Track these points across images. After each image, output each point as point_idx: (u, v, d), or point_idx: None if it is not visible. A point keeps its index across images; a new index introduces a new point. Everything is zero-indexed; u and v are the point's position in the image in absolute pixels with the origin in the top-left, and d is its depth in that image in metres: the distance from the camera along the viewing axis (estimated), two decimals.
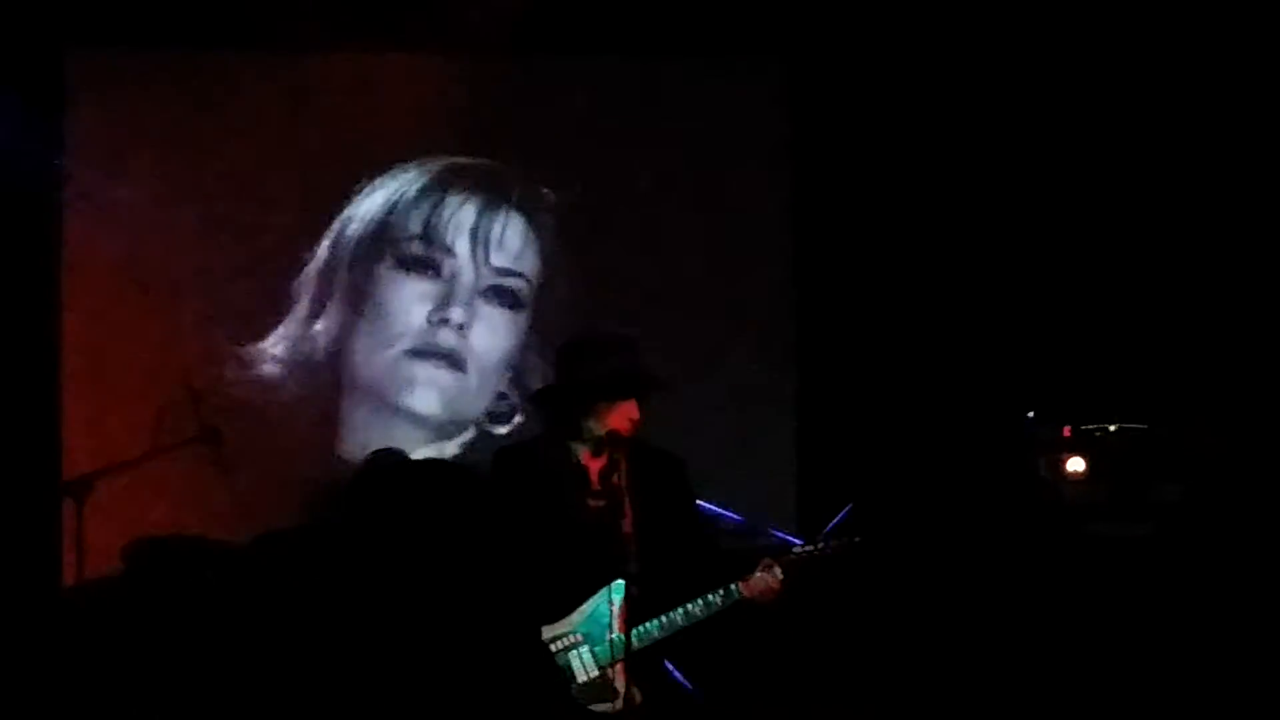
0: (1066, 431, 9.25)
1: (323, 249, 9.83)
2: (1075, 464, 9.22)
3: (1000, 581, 9.31)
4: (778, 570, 6.85)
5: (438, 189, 9.91)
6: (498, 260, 9.91)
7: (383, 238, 9.87)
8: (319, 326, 9.82)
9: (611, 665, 6.84)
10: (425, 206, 9.88)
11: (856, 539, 6.90)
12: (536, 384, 9.40)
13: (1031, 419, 9.32)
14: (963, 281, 9.78)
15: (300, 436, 9.76)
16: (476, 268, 9.89)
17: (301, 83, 9.83)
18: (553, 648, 6.90)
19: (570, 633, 6.90)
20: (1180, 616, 8.88)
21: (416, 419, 9.83)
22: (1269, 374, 9.41)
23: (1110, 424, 9.24)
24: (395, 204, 9.86)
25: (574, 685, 6.87)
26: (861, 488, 9.43)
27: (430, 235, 9.88)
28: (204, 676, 8.40)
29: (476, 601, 7.05)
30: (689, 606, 6.88)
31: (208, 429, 9.12)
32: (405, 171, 9.88)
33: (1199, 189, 9.60)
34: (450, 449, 9.83)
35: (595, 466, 6.91)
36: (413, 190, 9.88)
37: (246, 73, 9.80)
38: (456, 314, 9.85)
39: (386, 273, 9.86)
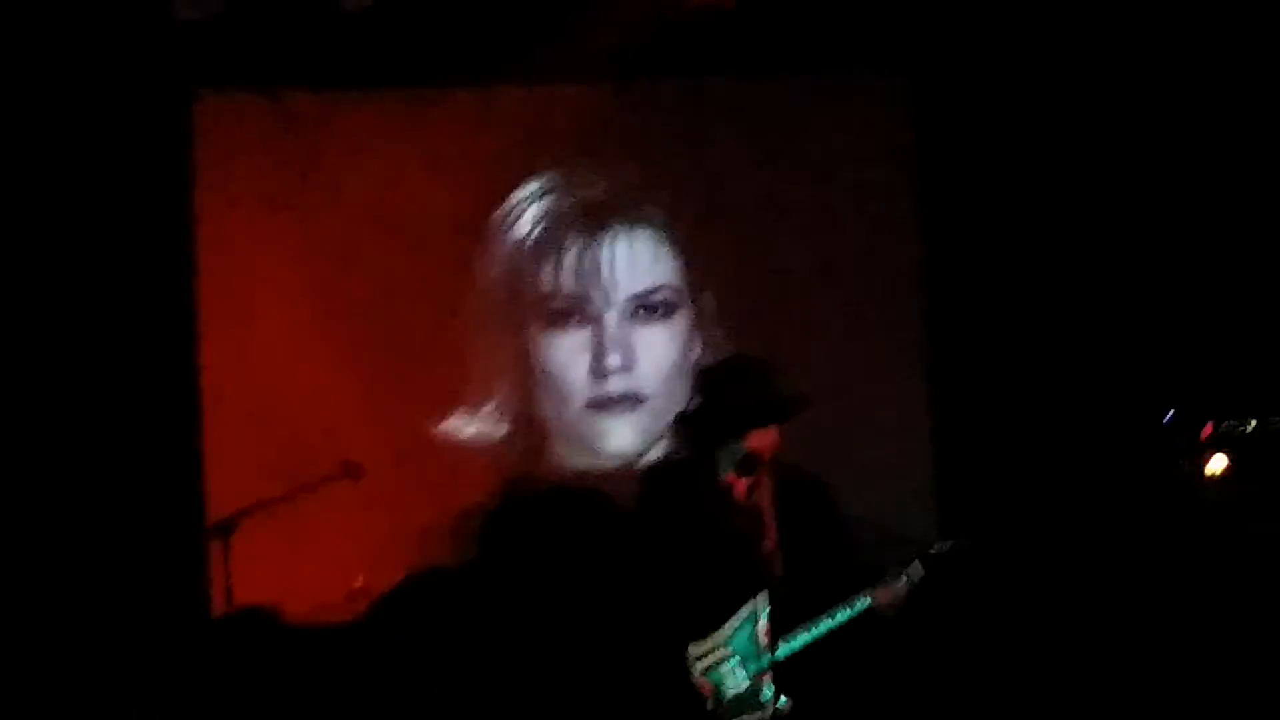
0: (1208, 429, 9.16)
1: (473, 319, 9.82)
2: (1217, 462, 9.12)
3: (1143, 583, 9.27)
4: (903, 580, 6.94)
5: (554, 233, 9.80)
6: (633, 284, 9.78)
7: (521, 301, 9.80)
8: (497, 406, 9.80)
9: (760, 677, 6.92)
10: (548, 257, 9.78)
11: (995, 538, 6.98)
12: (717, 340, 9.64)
13: (1172, 417, 9.24)
14: (1099, 281, 9.70)
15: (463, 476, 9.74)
16: (616, 301, 9.76)
17: (422, 123, 9.86)
18: (703, 664, 6.98)
19: (718, 647, 6.97)
20: None
21: (620, 456, 9.73)
22: None
23: (1251, 421, 9.14)
24: (519, 261, 9.79)
25: (725, 699, 6.94)
26: (1000, 489, 9.50)
27: (562, 286, 9.75)
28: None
29: (625, 621, 7.13)
30: (828, 618, 6.98)
31: (350, 464, 9.12)
32: (521, 218, 9.84)
33: None
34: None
35: (740, 486, 7.00)
36: (531, 241, 9.80)
37: (368, 114, 9.86)
38: (614, 360, 9.69)
39: (539, 336, 9.76)
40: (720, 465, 7.06)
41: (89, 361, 9.41)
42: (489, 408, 9.74)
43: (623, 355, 9.70)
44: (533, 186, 9.85)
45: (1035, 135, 9.78)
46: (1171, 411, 8.99)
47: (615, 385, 9.70)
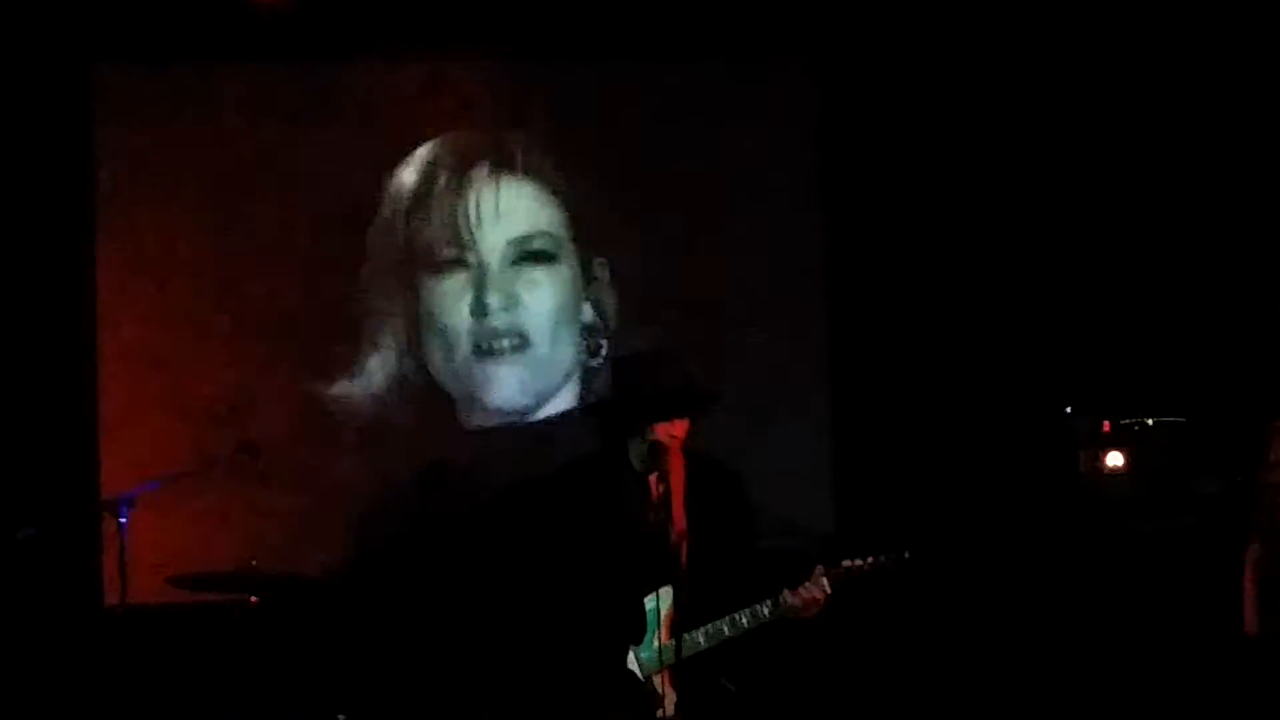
0: (1105, 426, 9.22)
1: (367, 274, 9.81)
2: (1114, 459, 9.19)
3: (1040, 577, 9.32)
4: (824, 582, 6.89)
5: (436, 180, 9.83)
6: (513, 229, 9.80)
7: (412, 251, 9.81)
8: (381, 359, 9.78)
9: (656, 671, 6.90)
10: (432, 204, 9.80)
11: (906, 555, 6.94)
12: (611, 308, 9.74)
13: (1070, 414, 9.29)
14: (998, 277, 9.73)
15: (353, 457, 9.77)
16: (496, 246, 9.78)
17: (320, 92, 9.88)
18: None
19: None
20: (1221, 609, 8.87)
21: (507, 411, 9.79)
22: None
23: (1149, 418, 9.20)
24: (408, 211, 9.80)
25: None
26: (898, 487, 9.52)
27: (445, 232, 9.78)
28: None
29: (538, 607, 7.12)
30: (735, 617, 6.94)
31: (246, 443, 9.01)
32: (407, 169, 9.84)
33: (1234, 180, 9.55)
34: (561, 404, 9.82)
35: (652, 479, 6.97)
36: (415, 191, 9.81)
37: (272, 84, 9.86)
38: (495, 299, 9.72)
39: (425, 282, 9.78)
40: (635, 460, 7.03)
41: None
42: (374, 360, 9.73)
43: (504, 296, 9.74)
44: (420, 151, 9.87)
45: (940, 121, 9.78)
46: (1069, 408, 9.06)
47: (498, 321, 9.73)
